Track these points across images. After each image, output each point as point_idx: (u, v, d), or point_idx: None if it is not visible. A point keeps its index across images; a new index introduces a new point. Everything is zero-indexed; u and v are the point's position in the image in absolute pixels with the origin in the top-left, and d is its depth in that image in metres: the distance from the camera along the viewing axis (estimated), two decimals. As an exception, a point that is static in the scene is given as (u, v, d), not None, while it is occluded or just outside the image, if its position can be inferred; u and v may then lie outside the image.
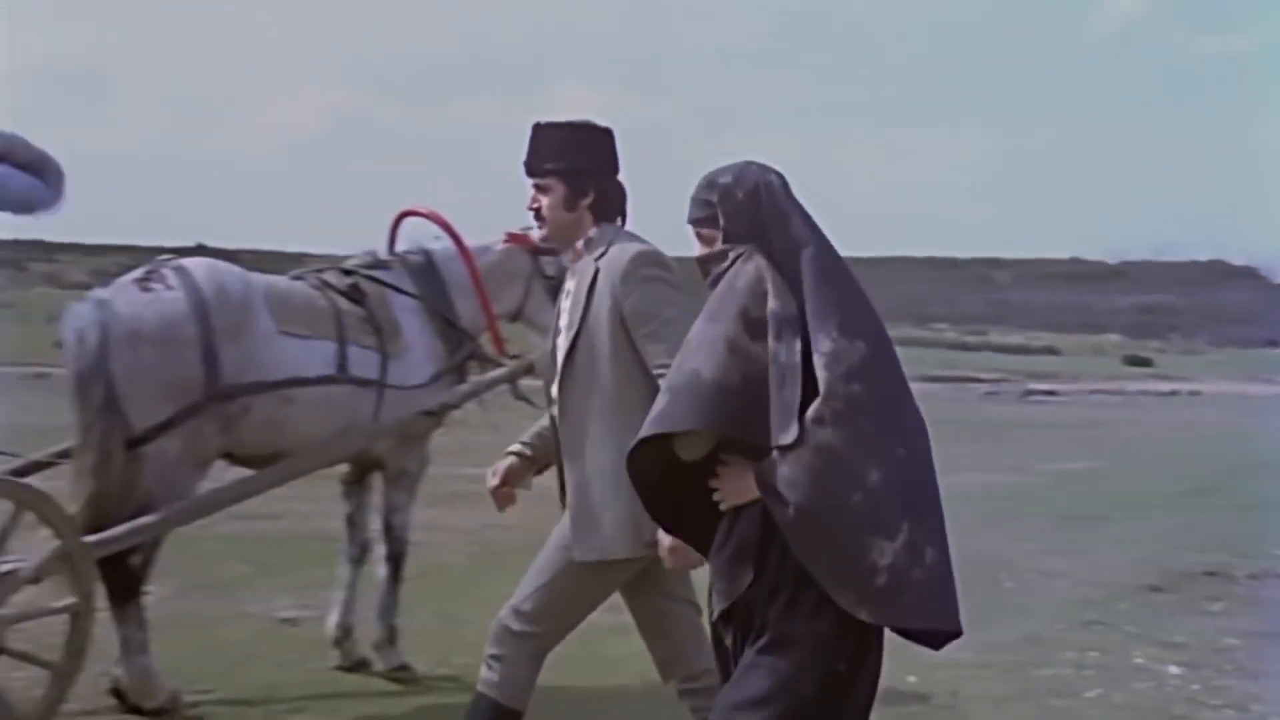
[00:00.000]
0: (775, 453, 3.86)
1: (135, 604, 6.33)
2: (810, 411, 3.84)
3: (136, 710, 6.37)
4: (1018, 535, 12.54)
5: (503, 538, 10.97)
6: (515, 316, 7.71)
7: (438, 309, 7.29)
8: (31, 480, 6.17)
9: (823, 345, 3.88)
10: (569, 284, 5.00)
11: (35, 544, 5.84)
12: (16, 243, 51.72)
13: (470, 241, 7.55)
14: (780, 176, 4.14)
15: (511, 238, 7.65)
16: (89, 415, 6.13)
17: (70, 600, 5.84)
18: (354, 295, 7.03)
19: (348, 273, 7.18)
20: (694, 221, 4.17)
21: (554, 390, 4.93)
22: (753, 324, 3.91)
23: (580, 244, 5.00)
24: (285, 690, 6.95)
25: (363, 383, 6.83)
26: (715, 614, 4.08)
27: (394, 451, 7.21)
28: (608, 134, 5.08)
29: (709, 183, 4.13)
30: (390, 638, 7.34)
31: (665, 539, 4.50)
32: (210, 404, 6.27)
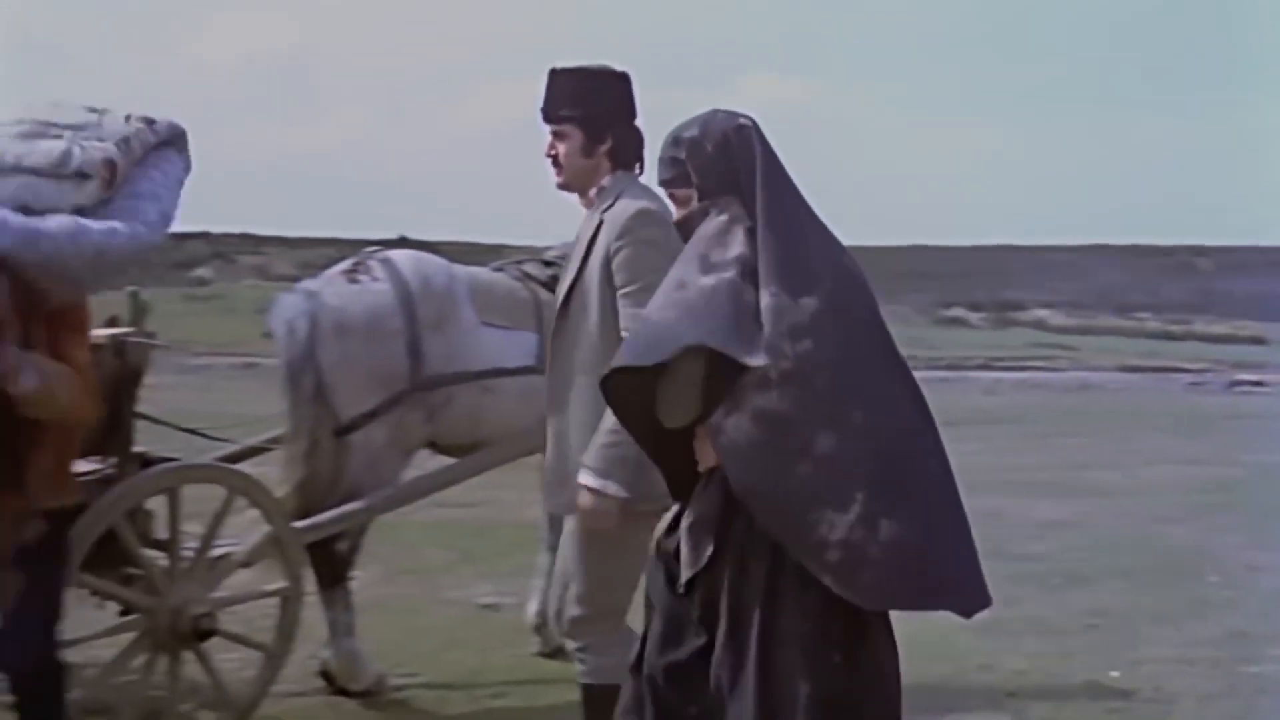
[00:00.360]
0: (720, 413, 3.66)
1: (343, 588, 6.48)
2: (753, 373, 3.61)
3: (344, 692, 6.51)
4: (1223, 529, 12.21)
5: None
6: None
7: (638, 299, 7.31)
8: (243, 466, 6.34)
9: (763, 300, 3.66)
10: (580, 230, 5.00)
11: (247, 529, 6.00)
12: (226, 235, 52.95)
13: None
14: (750, 120, 3.93)
15: None
16: (298, 404, 6.29)
17: (281, 584, 5.98)
18: (554, 286, 7.08)
19: (548, 264, 7.25)
20: (664, 183, 4.03)
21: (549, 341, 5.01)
22: (710, 268, 3.73)
23: (593, 192, 4.98)
24: (487, 675, 7.04)
25: (563, 373, 6.88)
26: (680, 582, 3.86)
27: (594, 440, 7.25)
28: (625, 79, 5.05)
29: (674, 139, 3.96)
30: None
31: (584, 498, 4.50)
32: (414, 394, 6.39)
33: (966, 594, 3.73)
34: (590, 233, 4.88)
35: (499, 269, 7.14)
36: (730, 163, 3.85)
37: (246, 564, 5.98)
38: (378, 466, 6.39)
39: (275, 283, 37.47)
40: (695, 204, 3.92)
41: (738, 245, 3.74)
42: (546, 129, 5.02)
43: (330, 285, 6.48)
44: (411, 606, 8.39)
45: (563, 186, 5.05)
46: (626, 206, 4.82)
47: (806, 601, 3.64)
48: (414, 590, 8.84)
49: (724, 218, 3.81)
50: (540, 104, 5.03)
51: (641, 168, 5.02)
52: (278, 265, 51.58)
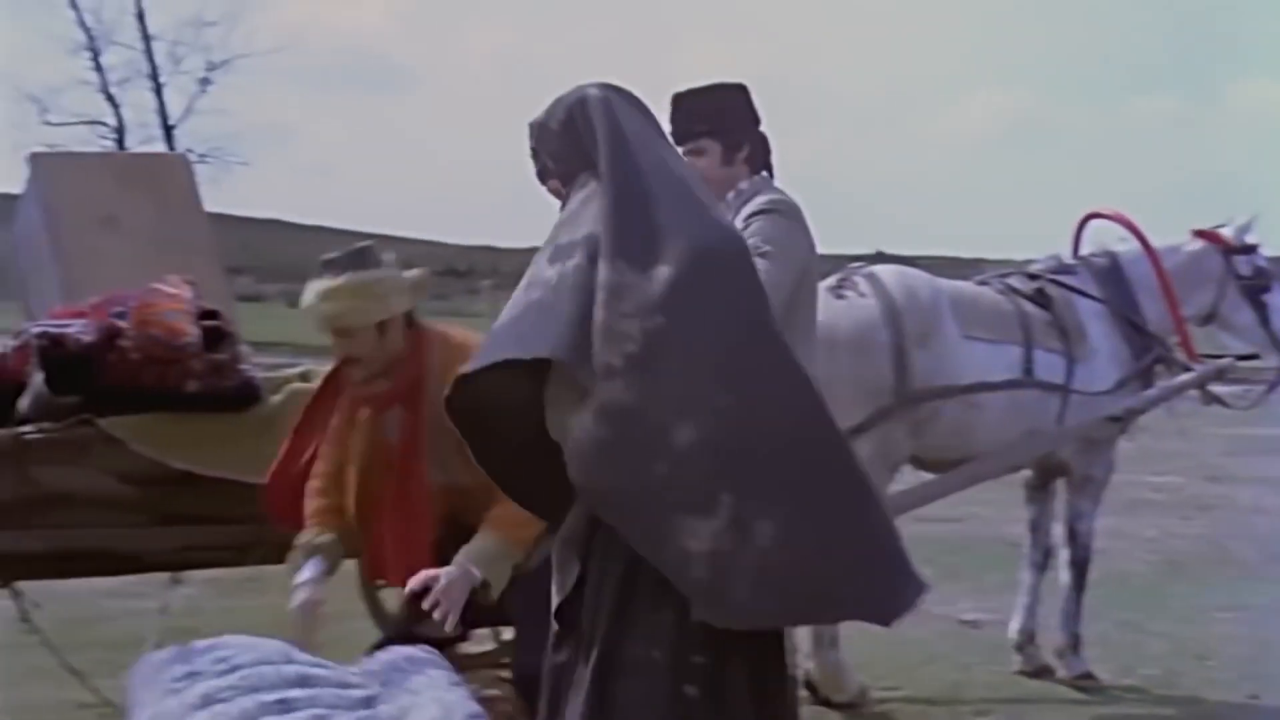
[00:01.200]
0: (571, 412, 3.25)
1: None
2: (595, 363, 3.17)
3: (827, 703, 6.59)
4: None
5: (1185, 547, 10.65)
6: (1207, 319, 7.49)
7: (1123, 312, 7.16)
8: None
9: (602, 277, 3.22)
10: None
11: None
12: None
13: (1155, 242, 7.39)
14: (600, 88, 3.51)
15: (1201, 236, 7.44)
16: (787, 418, 6.40)
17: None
18: (1039, 299, 7.02)
19: (1032, 277, 7.18)
20: (539, 178, 3.76)
21: None
22: (558, 255, 3.36)
23: (731, 195, 5.05)
24: (968, 692, 7.00)
25: (1048, 387, 6.81)
26: (553, 609, 3.49)
27: (1079, 457, 7.13)
28: (744, 90, 5.16)
29: (528, 129, 3.65)
30: (1073, 645, 7.26)
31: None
32: (900, 408, 6.42)
33: (875, 600, 3.29)
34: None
35: (983, 282, 7.12)
36: (577, 139, 3.49)
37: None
38: (864, 480, 6.43)
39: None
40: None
41: (588, 223, 3.37)
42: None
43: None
44: (894, 620, 8.40)
45: None
46: (759, 201, 4.97)
47: (659, 624, 3.25)
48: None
49: (579, 195, 3.48)
50: (672, 129, 5.07)
51: (771, 172, 5.19)
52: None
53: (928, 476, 6.83)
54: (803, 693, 6.63)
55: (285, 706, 4.30)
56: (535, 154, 3.72)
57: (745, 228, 4.89)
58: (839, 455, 3.32)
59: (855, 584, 3.23)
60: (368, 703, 4.47)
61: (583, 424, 3.22)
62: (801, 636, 6.56)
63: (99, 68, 41.53)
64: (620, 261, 3.23)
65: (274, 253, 63.78)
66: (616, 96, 3.52)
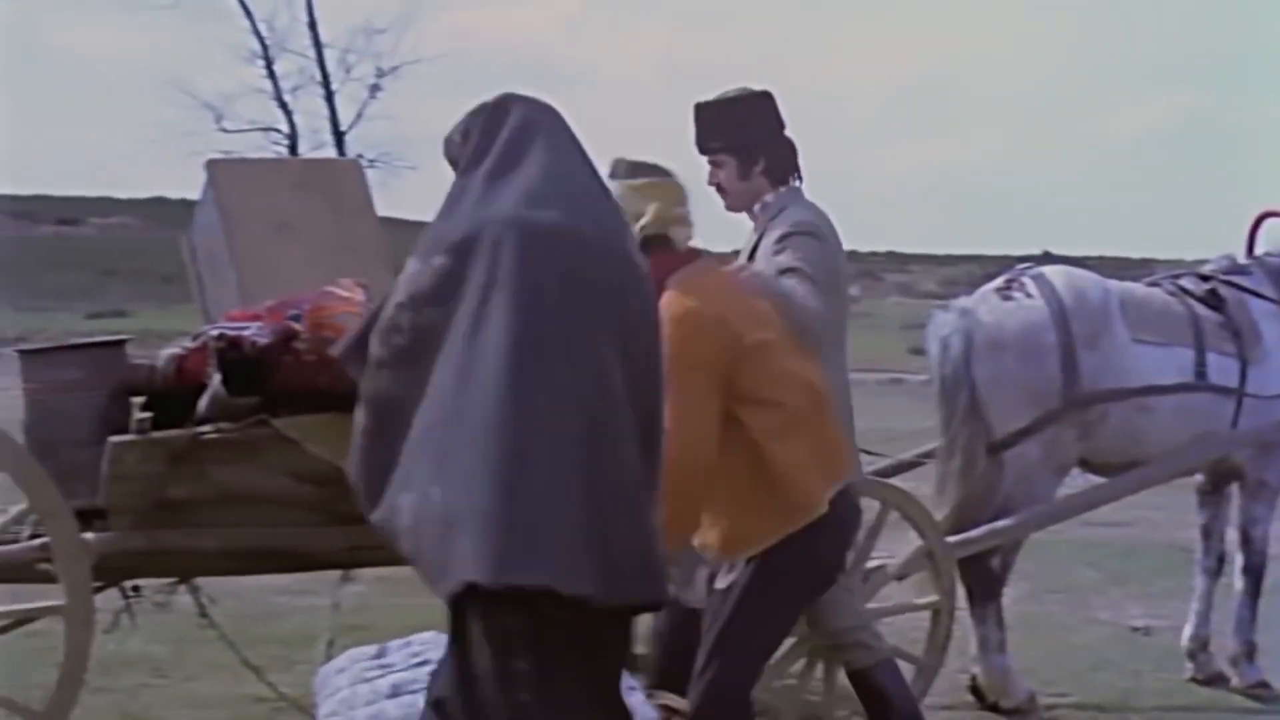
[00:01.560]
0: None
1: (994, 604, 6.50)
2: (369, 356, 3.24)
3: (994, 708, 6.53)
4: None
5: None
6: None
7: (1299, 314, 7.02)
8: (894, 481, 6.48)
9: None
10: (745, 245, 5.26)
11: (900, 542, 6.13)
12: (872, 254, 53.87)
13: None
14: (504, 98, 3.52)
15: None
16: (953, 421, 6.39)
17: (932, 598, 6.06)
18: (1212, 301, 6.90)
19: (1205, 278, 7.06)
20: None
21: None
22: (415, 250, 3.39)
23: (757, 208, 5.18)
24: (1139, 699, 6.89)
25: (1221, 390, 6.69)
26: None
27: (1253, 461, 6.98)
28: (765, 98, 5.18)
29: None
30: (1248, 653, 7.11)
31: None
32: (1069, 411, 6.36)
33: (564, 568, 3.12)
34: (753, 243, 5.15)
35: (1154, 284, 7.01)
36: (468, 145, 3.53)
37: (899, 577, 6.09)
38: (1031, 484, 6.41)
39: (920, 300, 37.86)
40: None
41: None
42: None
43: (984, 302, 6.55)
44: (1060, 625, 8.31)
45: (730, 209, 5.30)
46: (788, 218, 5.04)
47: (490, 630, 3.20)
48: (1062, 609, 8.75)
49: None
50: (694, 141, 5.25)
51: (799, 177, 5.24)
52: (922, 282, 52.12)
53: (1096, 480, 6.76)
54: (970, 698, 6.60)
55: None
56: (451, 163, 3.74)
57: (779, 250, 4.98)
58: (574, 436, 3.17)
59: (537, 548, 3.11)
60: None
61: (358, 418, 3.30)
62: (966, 640, 6.51)
63: (272, 76, 42.37)
64: (418, 256, 3.27)
65: (441, 256, 64.39)
66: (516, 102, 3.54)
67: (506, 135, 3.44)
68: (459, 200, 3.39)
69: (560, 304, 3.20)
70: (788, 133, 5.29)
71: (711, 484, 4.16)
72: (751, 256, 5.18)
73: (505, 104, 3.53)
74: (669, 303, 4.07)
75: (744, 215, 5.33)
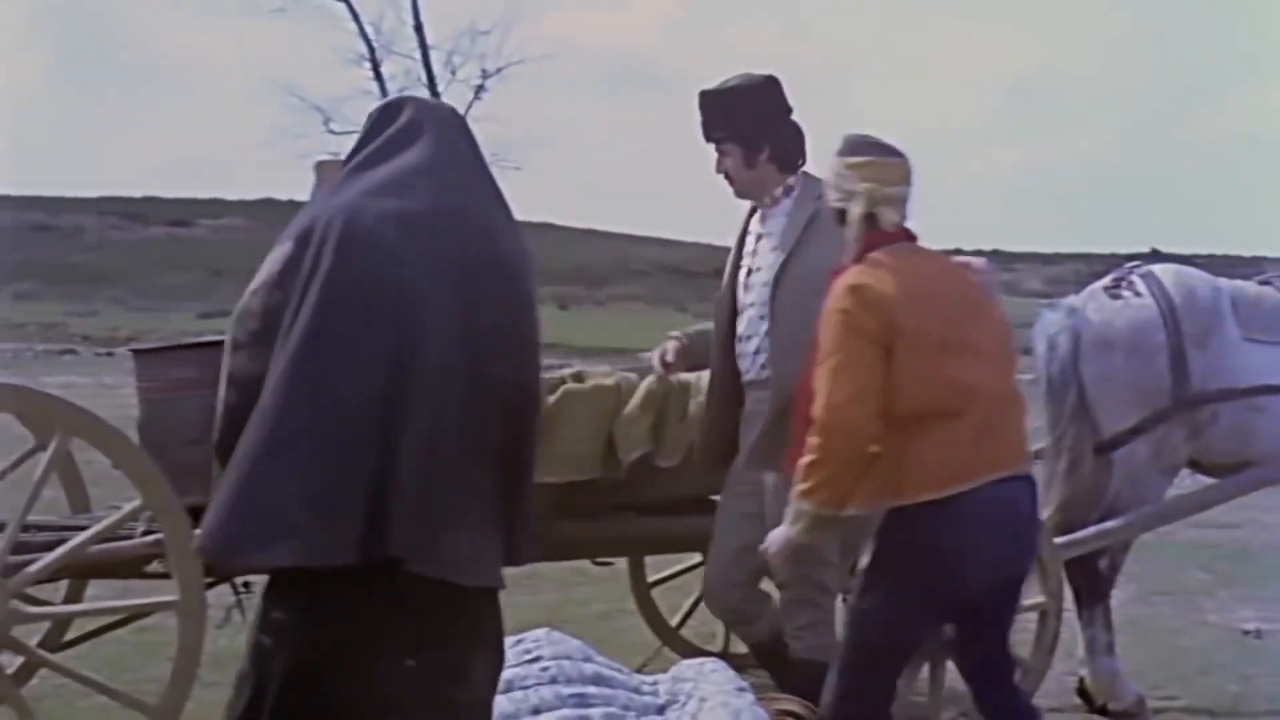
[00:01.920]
0: None
1: (1102, 606, 6.44)
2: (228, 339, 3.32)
3: (1102, 711, 6.47)
4: None
5: None
6: None
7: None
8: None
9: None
10: (758, 229, 5.27)
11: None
12: (976, 252, 53.41)
13: None
14: (399, 99, 3.56)
15: None
16: (1060, 420, 6.34)
17: (1040, 599, 6.01)
18: (1324, 301, 6.79)
19: (1318, 276, 6.96)
20: None
21: (742, 324, 5.21)
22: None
23: (778, 191, 5.21)
24: (1249, 703, 6.81)
25: (1335, 391, 6.59)
26: None
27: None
28: (771, 83, 5.16)
29: None
30: (1363, 657, 7.02)
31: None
32: (1178, 410, 6.29)
33: (304, 541, 3.10)
34: (803, 219, 5.11)
35: (1265, 282, 6.92)
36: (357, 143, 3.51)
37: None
38: (1139, 484, 6.35)
39: (1025, 299, 37.48)
40: None
41: None
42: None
43: (1092, 300, 6.49)
44: (1169, 627, 8.24)
45: (739, 195, 5.35)
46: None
47: (404, 627, 3.18)
48: (1171, 611, 8.66)
49: None
50: (701, 126, 5.26)
51: (803, 160, 5.27)
52: (1027, 281, 51.63)
53: (1206, 480, 6.68)
54: (1077, 700, 6.55)
55: (581, 701, 4.44)
56: None
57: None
58: (357, 415, 3.16)
59: (277, 525, 3.14)
60: (660, 710, 4.57)
61: (219, 395, 3.34)
62: (1074, 642, 6.46)
63: (379, 77, 42.85)
64: (276, 246, 3.30)
65: (546, 255, 64.90)
66: (410, 103, 3.54)
67: (390, 133, 3.44)
68: (339, 189, 3.39)
69: (367, 290, 3.20)
70: (794, 117, 5.29)
71: (866, 453, 4.15)
72: (805, 230, 5.12)
73: (398, 105, 3.54)
74: (849, 274, 4.20)
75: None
